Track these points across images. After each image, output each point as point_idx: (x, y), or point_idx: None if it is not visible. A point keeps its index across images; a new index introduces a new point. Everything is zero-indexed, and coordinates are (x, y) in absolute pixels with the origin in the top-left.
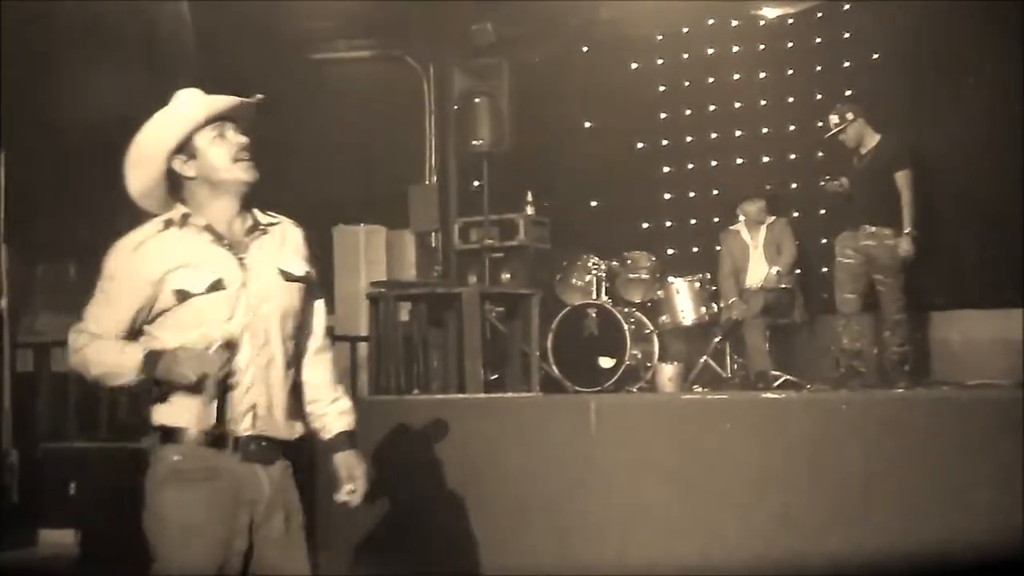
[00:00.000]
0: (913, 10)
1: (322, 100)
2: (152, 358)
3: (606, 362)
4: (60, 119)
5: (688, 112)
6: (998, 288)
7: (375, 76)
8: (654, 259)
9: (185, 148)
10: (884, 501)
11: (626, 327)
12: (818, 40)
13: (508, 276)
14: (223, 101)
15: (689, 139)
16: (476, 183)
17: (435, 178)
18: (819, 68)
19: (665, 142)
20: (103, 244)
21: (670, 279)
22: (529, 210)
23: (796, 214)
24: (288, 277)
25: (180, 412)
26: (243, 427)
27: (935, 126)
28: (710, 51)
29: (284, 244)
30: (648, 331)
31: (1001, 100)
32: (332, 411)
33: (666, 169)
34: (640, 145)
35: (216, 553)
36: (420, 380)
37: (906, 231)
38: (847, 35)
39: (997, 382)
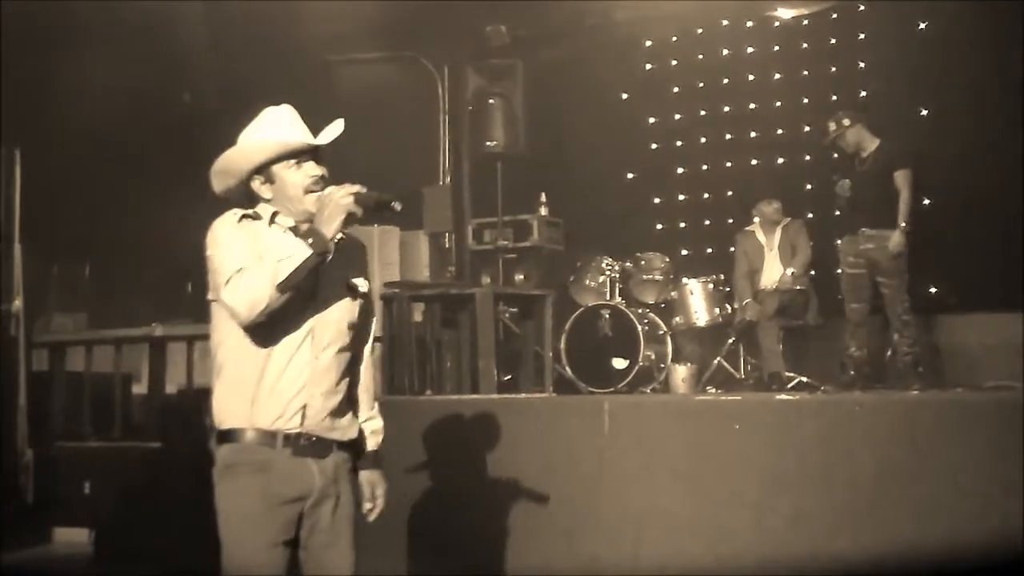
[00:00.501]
0: (924, 11)
1: (336, 102)
2: (308, 231)
3: (619, 363)
4: (76, 119)
5: (703, 113)
6: (1009, 291)
7: (389, 77)
8: (668, 260)
9: (263, 172)
10: (897, 503)
11: (640, 328)
12: (833, 41)
13: (522, 277)
14: (304, 139)
15: (703, 140)
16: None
17: (449, 179)
18: (834, 69)
19: (679, 143)
20: (117, 244)
21: (684, 280)
22: (543, 211)
23: (811, 215)
24: (354, 293)
25: (233, 409)
26: (293, 424)
27: (947, 127)
28: (725, 52)
29: (352, 260)
30: (662, 332)
31: (1013, 101)
32: (365, 430)
33: (680, 170)
34: (654, 146)
35: (270, 539)
36: (433, 381)
37: (900, 225)
38: (862, 36)
39: (1011, 384)
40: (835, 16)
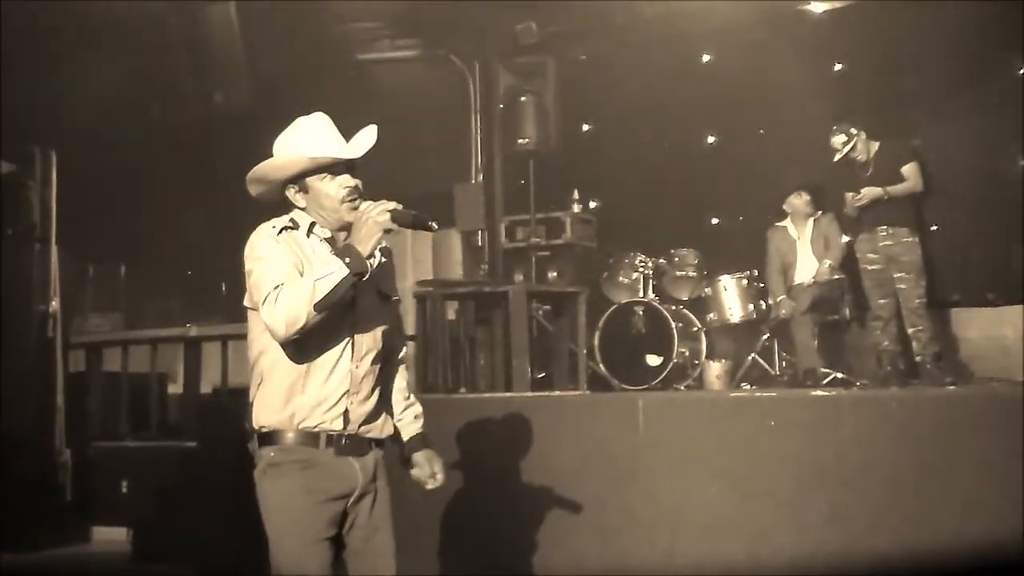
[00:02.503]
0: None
1: (368, 100)
2: (344, 249)
3: (653, 360)
4: (110, 121)
5: (735, 108)
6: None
7: (421, 76)
8: (701, 256)
9: (297, 182)
10: (935, 499)
11: (673, 325)
12: (867, 34)
13: (555, 274)
14: (336, 154)
15: (735, 135)
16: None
17: (481, 177)
18: (867, 63)
19: (711, 139)
20: (152, 245)
21: (717, 276)
22: (575, 208)
23: (845, 210)
24: (386, 298)
25: (276, 414)
26: (335, 426)
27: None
28: (756, 46)
29: (384, 267)
30: (695, 329)
31: None
32: (407, 416)
33: (712, 166)
34: (686, 142)
35: (311, 533)
36: (467, 378)
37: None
38: (894, 27)
39: None
40: (868, 9)
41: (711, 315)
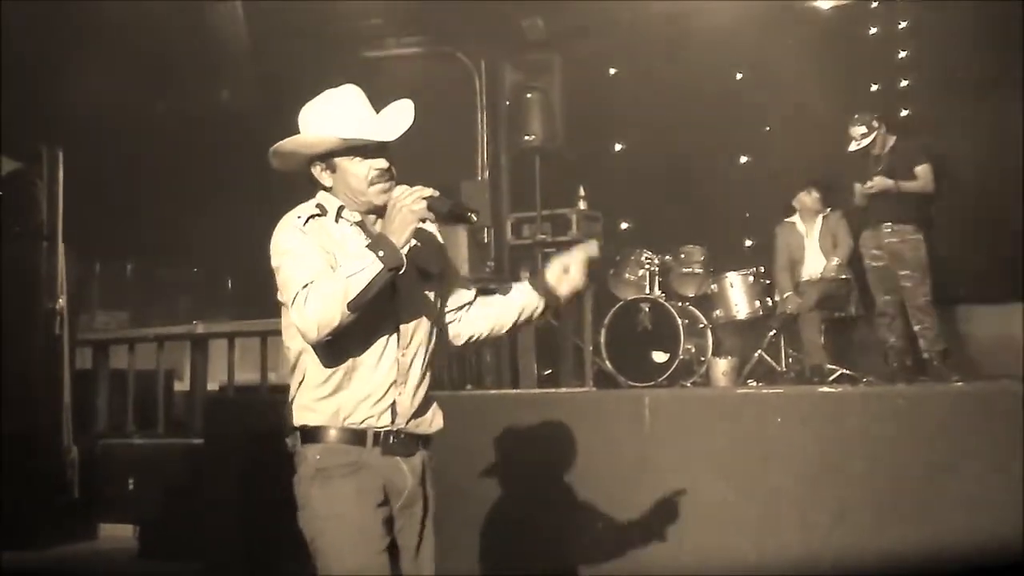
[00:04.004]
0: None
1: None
2: (377, 240)
3: (660, 357)
4: (116, 118)
5: (742, 105)
6: None
7: (427, 72)
8: (707, 253)
9: (324, 160)
10: (943, 496)
11: (679, 321)
12: (874, 31)
13: None
14: (368, 135)
15: (743, 132)
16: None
17: (487, 174)
18: (874, 59)
19: (718, 135)
20: (158, 243)
21: (724, 273)
22: (581, 205)
23: (855, 200)
24: (428, 276)
25: (319, 412)
26: (382, 423)
27: (973, 120)
28: (763, 43)
29: (423, 247)
30: (702, 325)
31: None
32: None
33: (719, 162)
34: (693, 139)
35: (370, 542)
36: (474, 375)
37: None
38: (903, 25)
39: None
40: (876, 5)
41: (717, 312)
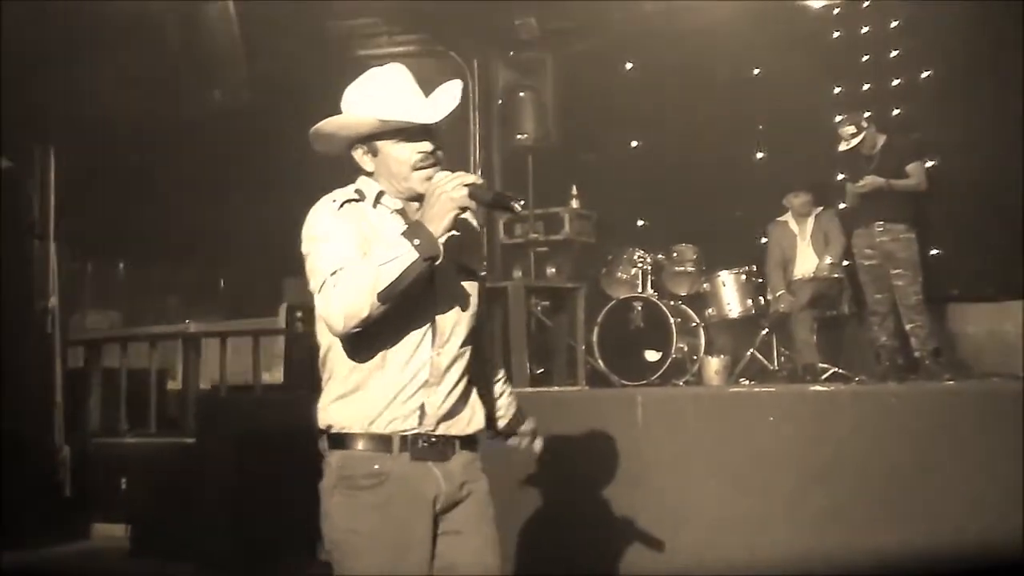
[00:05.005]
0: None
1: None
2: (413, 228)
3: (652, 355)
4: (108, 118)
5: (734, 103)
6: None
7: (419, 71)
8: (700, 252)
9: (366, 143)
10: (934, 495)
11: (672, 320)
12: (865, 29)
13: (553, 270)
14: (411, 117)
15: (735, 131)
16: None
17: (480, 172)
18: (866, 58)
19: (710, 134)
20: (150, 242)
21: (716, 272)
22: (574, 204)
23: (843, 205)
24: (469, 275)
25: (345, 413)
26: (408, 425)
27: (965, 118)
28: (755, 42)
29: (465, 237)
30: (694, 324)
31: None
32: (503, 404)
33: (711, 161)
34: (685, 137)
35: (393, 560)
36: None
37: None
38: (894, 24)
39: None
40: (867, 4)
41: (710, 310)
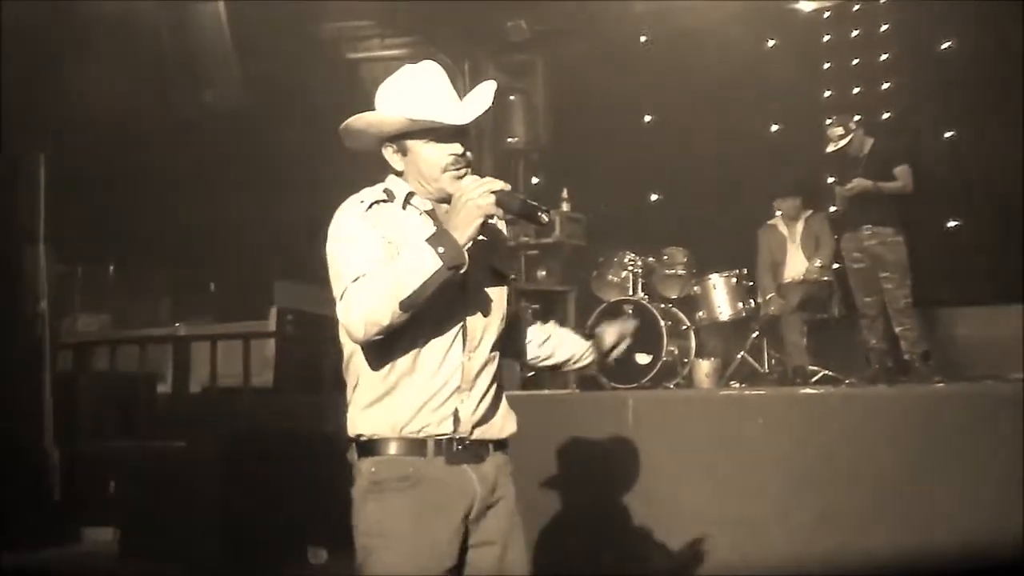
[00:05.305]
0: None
1: (358, 99)
2: (438, 235)
3: (643, 358)
4: (98, 121)
5: (724, 107)
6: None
7: None
8: (690, 254)
9: (396, 141)
10: (925, 497)
11: (663, 323)
12: (855, 34)
13: (544, 273)
14: (442, 118)
15: (725, 133)
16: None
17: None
18: (856, 62)
19: (700, 137)
20: (140, 245)
21: (707, 275)
22: (564, 207)
23: (833, 208)
24: (502, 277)
25: (375, 420)
26: (443, 430)
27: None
28: (745, 45)
29: (496, 240)
30: (685, 327)
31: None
32: (579, 341)
33: (702, 164)
34: (676, 140)
35: (426, 565)
36: None
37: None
38: (884, 28)
39: None
40: (857, 8)
41: (700, 313)
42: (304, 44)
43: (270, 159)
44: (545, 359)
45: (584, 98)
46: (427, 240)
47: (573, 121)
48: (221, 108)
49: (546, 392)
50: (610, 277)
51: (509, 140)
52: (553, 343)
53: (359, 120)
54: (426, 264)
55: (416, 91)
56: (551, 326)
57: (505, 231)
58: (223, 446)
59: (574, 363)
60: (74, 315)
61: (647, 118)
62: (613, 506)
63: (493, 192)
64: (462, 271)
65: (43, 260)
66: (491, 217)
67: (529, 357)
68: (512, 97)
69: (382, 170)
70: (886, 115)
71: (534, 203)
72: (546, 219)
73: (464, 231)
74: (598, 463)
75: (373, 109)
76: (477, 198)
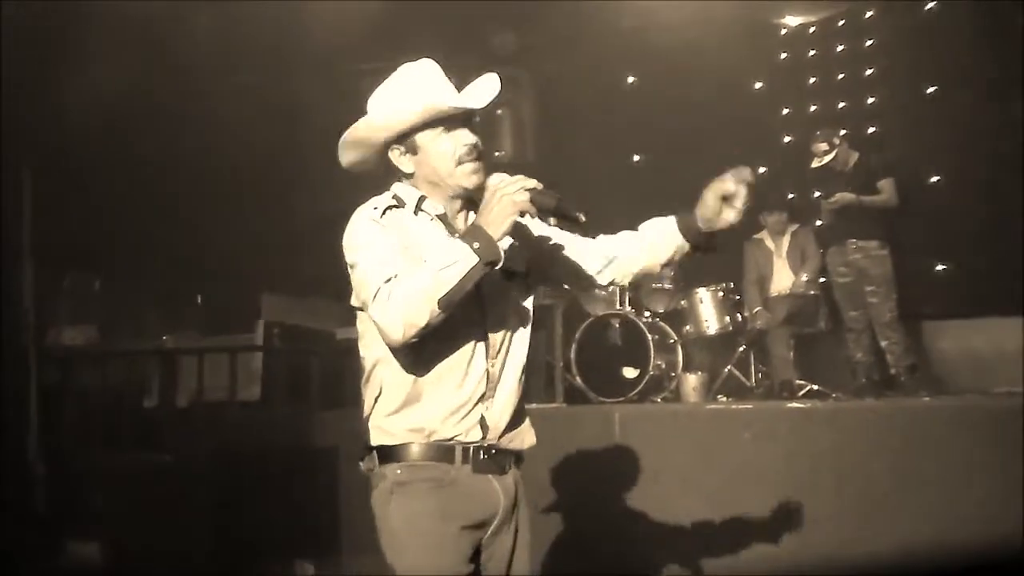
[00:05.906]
0: (931, 19)
1: (343, 112)
2: (472, 231)
3: (630, 372)
4: (85, 131)
5: (709, 123)
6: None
7: None
8: (677, 268)
9: (404, 141)
10: (911, 510)
11: (649, 337)
12: (840, 48)
13: None
14: (456, 102)
15: (711, 149)
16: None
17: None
18: (841, 76)
19: (687, 152)
20: (127, 257)
21: (694, 289)
22: (552, 221)
23: (819, 222)
24: (514, 276)
25: (401, 428)
26: (471, 438)
27: (944, 134)
28: (731, 61)
29: (512, 244)
30: (672, 341)
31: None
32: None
33: (688, 178)
34: (662, 155)
35: (456, 566)
36: None
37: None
38: (869, 43)
39: (1017, 390)
40: (842, 23)
41: (687, 327)
42: (290, 57)
43: (259, 172)
44: (625, 271)
45: (572, 112)
46: (461, 236)
47: (560, 135)
48: (209, 121)
49: (533, 406)
50: (596, 291)
51: (496, 154)
52: (649, 245)
53: (363, 125)
54: (462, 261)
55: (421, 84)
56: (609, 244)
57: (531, 228)
58: (210, 460)
59: (672, 257)
60: (60, 328)
61: (634, 131)
62: (599, 520)
63: (527, 190)
64: (498, 267)
65: (29, 272)
66: (523, 215)
67: (605, 280)
68: (499, 111)
69: (375, 186)
70: (871, 130)
71: (570, 203)
72: (583, 219)
73: (499, 227)
74: (585, 477)
75: (347, 125)
76: (513, 194)
